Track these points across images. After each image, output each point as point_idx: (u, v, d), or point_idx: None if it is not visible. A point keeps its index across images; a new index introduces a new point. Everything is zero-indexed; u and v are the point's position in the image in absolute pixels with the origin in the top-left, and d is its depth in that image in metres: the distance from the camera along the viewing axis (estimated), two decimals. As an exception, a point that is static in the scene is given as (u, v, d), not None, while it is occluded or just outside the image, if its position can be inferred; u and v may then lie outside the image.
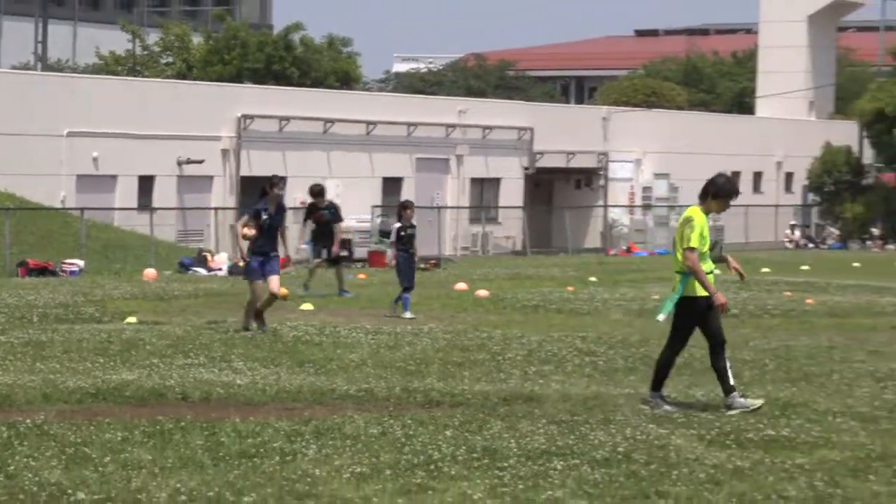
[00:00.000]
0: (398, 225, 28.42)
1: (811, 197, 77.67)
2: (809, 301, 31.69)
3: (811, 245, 72.38)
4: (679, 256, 15.23)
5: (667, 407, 15.33)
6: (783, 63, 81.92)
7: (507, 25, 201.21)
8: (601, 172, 68.03)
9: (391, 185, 57.88)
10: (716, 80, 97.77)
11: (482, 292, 33.18)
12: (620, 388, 17.46)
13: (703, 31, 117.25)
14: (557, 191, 69.18)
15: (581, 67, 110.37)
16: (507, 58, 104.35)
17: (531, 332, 24.46)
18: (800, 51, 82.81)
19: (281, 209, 23.85)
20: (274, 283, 23.08)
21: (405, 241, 28.14)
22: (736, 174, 75.20)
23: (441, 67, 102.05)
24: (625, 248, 63.57)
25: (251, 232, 23.03)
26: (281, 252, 24.46)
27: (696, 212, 15.27)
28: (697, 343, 16.21)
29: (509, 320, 27.57)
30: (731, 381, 15.39)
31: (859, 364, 19.94)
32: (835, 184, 75.41)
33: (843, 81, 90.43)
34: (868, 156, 76.73)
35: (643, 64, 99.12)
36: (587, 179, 68.72)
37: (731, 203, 15.70)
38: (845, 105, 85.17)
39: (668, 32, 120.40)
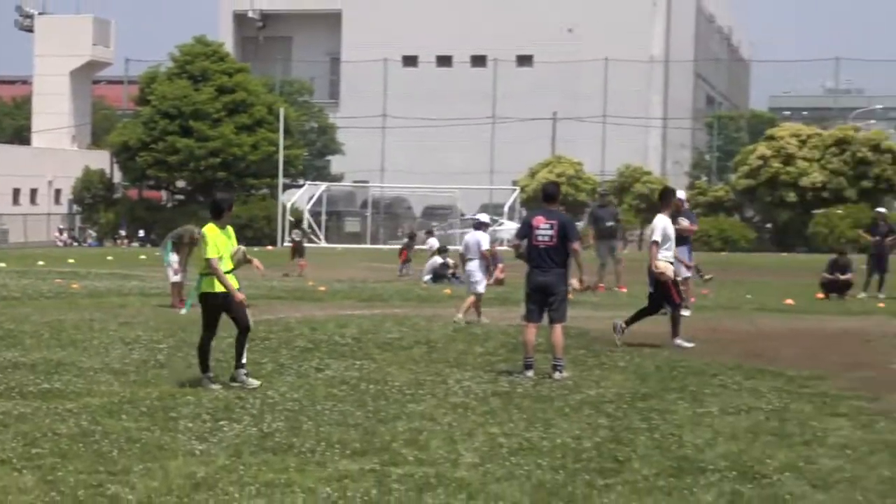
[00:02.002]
0: None
1: (75, 207, 77.20)
2: (75, 286, 31.24)
3: (76, 244, 71.58)
4: (200, 264, 14.34)
5: (212, 385, 14.08)
6: (53, 106, 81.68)
7: None
8: None
9: None
10: (0, 118, 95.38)
11: None
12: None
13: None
14: None
15: None
16: None
17: None
18: (65, 97, 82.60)
19: None
20: None
21: None
22: (17, 191, 73.94)
23: None
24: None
25: None
26: None
27: (207, 228, 14.27)
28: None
29: None
30: (244, 360, 14.26)
31: (113, 332, 19.79)
32: (93, 197, 75.21)
33: (97, 120, 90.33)
34: (118, 177, 76.77)
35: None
36: None
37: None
38: (100, 138, 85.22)
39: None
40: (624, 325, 18.79)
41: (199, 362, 14.43)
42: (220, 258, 14.14)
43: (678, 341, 18.60)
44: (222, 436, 11.21)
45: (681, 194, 27.68)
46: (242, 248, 14.55)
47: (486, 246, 22.45)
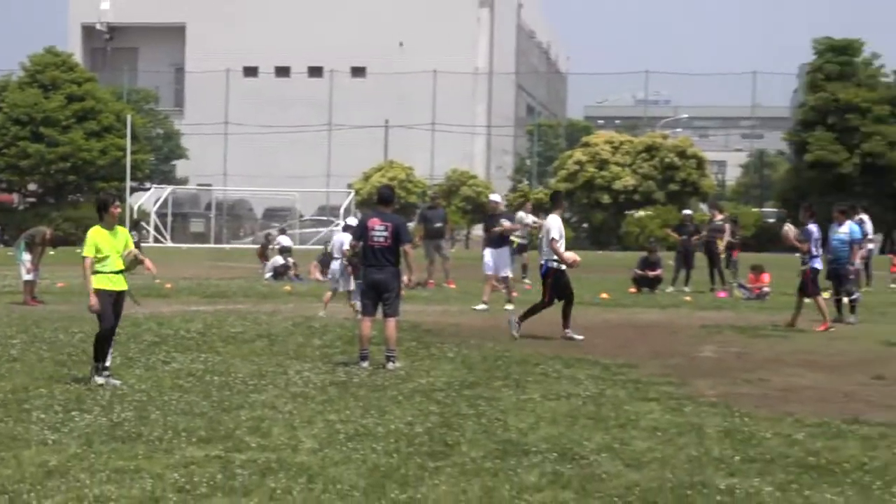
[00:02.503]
0: None
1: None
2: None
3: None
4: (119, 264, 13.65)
5: (97, 378, 13.46)
6: None
7: None
8: None
9: None
10: None
11: None
12: None
13: None
14: None
15: None
16: None
17: None
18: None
19: None
20: None
21: None
22: None
23: None
24: None
25: None
26: None
27: (92, 230, 13.58)
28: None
29: None
30: (108, 363, 13.62)
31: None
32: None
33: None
34: None
35: None
36: None
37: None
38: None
39: None
40: (567, 333, 18.95)
41: (94, 352, 13.75)
42: (106, 258, 13.57)
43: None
44: (74, 426, 11.01)
45: (496, 198, 28.20)
46: (135, 249, 14.00)
47: (347, 246, 22.46)
